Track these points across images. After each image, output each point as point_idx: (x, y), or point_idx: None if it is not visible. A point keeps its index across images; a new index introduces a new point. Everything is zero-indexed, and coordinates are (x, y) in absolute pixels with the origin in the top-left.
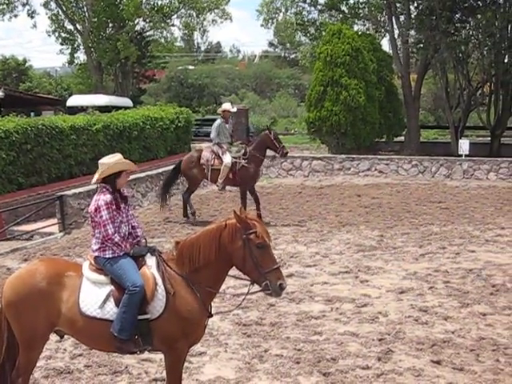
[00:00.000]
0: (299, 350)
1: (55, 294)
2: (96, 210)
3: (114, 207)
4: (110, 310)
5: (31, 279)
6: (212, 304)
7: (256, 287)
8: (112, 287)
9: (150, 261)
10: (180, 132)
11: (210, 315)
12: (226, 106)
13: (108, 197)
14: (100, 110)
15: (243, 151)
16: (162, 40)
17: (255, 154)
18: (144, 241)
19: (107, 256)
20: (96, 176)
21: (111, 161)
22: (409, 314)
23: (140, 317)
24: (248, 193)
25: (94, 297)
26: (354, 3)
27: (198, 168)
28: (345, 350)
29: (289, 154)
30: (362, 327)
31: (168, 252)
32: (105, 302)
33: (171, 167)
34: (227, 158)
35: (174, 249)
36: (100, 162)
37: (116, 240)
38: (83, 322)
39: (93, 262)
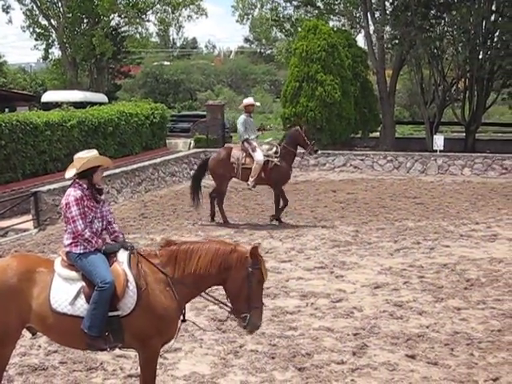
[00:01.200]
0: (274, 345)
1: (26, 290)
2: (66, 205)
3: (84, 203)
4: (81, 307)
5: (2, 275)
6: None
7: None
8: (83, 283)
9: (122, 257)
10: (155, 128)
11: (184, 320)
12: (250, 100)
13: (78, 193)
14: (75, 106)
15: (275, 149)
16: (138, 36)
17: (287, 152)
18: (122, 236)
19: (78, 251)
20: (73, 170)
21: (89, 155)
22: (384, 309)
23: (110, 313)
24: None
25: (64, 293)
26: None
27: (227, 167)
28: (320, 345)
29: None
30: (337, 322)
31: (150, 249)
32: (75, 298)
33: (147, 163)
34: (259, 156)
35: (160, 246)
36: (76, 156)
37: (86, 236)
38: (54, 318)
39: (65, 257)
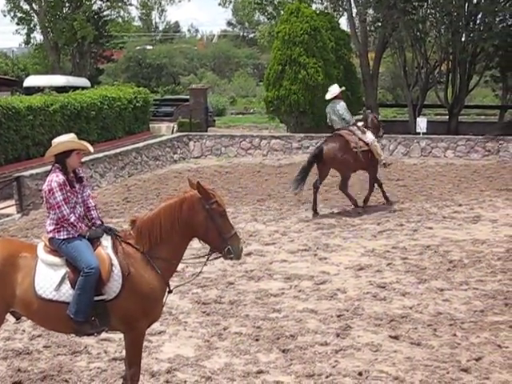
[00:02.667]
0: (258, 327)
1: (9, 275)
2: (49, 191)
3: (67, 188)
4: (66, 292)
5: None
6: (170, 281)
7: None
8: (67, 269)
9: (106, 241)
10: (138, 112)
11: (170, 291)
12: (337, 87)
13: (60, 178)
14: (57, 91)
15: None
16: (120, 20)
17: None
18: (99, 222)
19: (62, 237)
20: (50, 155)
21: (60, 140)
22: (367, 291)
23: (96, 298)
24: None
25: (49, 279)
26: None
27: (348, 155)
28: (304, 326)
29: (248, 133)
30: (320, 304)
31: (125, 231)
32: (60, 284)
33: (130, 147)
34: (370, 136)
35: (130, 227)
36: (52, 140)
37: (72, 220)
38: (39, 304)
39: (47, 243)
